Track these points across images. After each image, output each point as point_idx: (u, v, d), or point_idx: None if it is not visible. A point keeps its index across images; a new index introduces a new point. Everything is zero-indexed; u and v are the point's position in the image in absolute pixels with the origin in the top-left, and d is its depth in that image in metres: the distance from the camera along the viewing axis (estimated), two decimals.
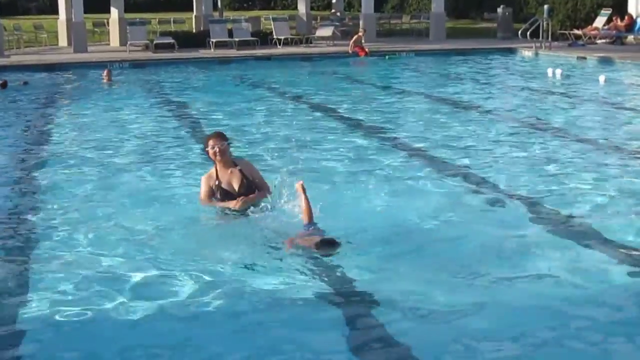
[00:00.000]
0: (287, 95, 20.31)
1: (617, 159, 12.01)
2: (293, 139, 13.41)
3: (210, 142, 8.80)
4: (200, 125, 15.68)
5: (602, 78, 21.27)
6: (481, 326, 5.99)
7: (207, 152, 8.88)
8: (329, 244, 7.36)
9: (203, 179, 8.99)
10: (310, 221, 7.85)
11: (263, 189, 8.93)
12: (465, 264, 7.24)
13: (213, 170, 8.93)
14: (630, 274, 7.08)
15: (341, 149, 12.82)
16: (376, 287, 6.71)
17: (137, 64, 26.99)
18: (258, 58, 28.27)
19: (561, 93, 20.03)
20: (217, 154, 8.71)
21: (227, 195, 8.75)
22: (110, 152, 12.89)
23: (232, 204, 8.63)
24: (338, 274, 7.07)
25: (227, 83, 23.74)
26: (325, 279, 6.98)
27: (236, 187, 8.77)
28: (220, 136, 8.96)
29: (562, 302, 6.43)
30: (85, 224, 8.67)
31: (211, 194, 8.85)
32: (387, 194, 9.86)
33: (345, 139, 13.78)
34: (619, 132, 14.44)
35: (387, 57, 28.77)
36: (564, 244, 7.95)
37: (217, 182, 8.79)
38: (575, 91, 20.22)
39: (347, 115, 16.65)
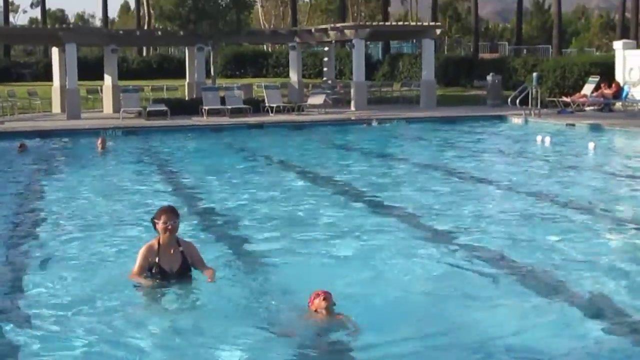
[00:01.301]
0: (278, 163, 20.43)
1: (607, 226, 12.12)
2: (283, 209, 13.56)
3: (164, 217, 8.38)
4: (193, 193, 15.72)
5: (591, 145, 21.48)
6: None
7: (156, 224, 8.43)
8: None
9: (143, 251, 8.47)
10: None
11: (200, 270, 8.59)
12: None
13: (155, 244, 8.47)
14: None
15: (333, 218, 12.84)
16: None
17: (130, 131, 27.14)
18: (250, 126, 28.45)
19: (550, 160, 20.22)
20: (169, 230, 8.35)
21: (163, 274, 8.36)
22: (100, 220, 12.89)
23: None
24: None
25: (220, 151, 23.87)
26: None
27: (175, 268, 8.40)
28: (175, 212, 8.57)
29: None
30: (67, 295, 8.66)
31: (146, 269, 8.40)
32: (380, 263, 9.90)
33: (338, 208, 13.83)
34: (609, 198, 14.59)
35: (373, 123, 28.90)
36: (555, 310, 8.04)
37: (156, 259, 8.37)
38: (564, 158, 20.42)
39: (339, 183, 16.75)
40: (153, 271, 8.38)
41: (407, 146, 24.71)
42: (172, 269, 8.39)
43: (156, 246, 8.43)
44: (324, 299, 7.40)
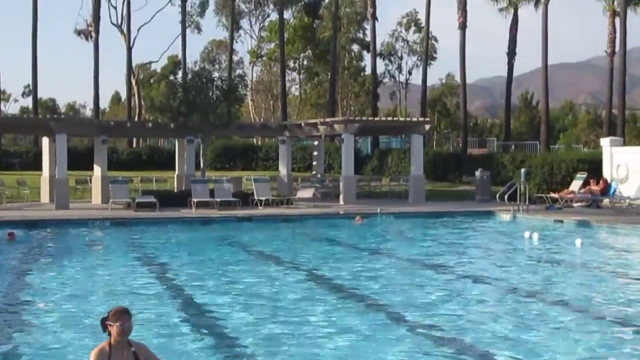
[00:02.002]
0: (267, 257, 20.34)
1: (595, 323, 12.07)
2: (269, 304, 13.47)
3: (120, 320, 7.97)
4: (180, 286, 15.62)
5: (578, 241, 21.51)
6: None
7: (109, 326, 8.01)
8: None
9: (95, 353, 7.99)
10: None
11: None
12: None
13: (106, 347, 8.02)
14: None
15: (321, 315, 12.77)
16: None
17: (118, 222, 27.07)
18: (239, 219, 28.42)
19: (538, 256, 20.24)
20: (124, 333, 7.97)
21: None
22: (84, 309, 12.81)
23: None
24: None
25: (208, 243, 23.77)
26: None
27: None
28: (129, 313, 8.16)
29: None
30: None
31: None
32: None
33: (326, 304, 13.75)
34: (596, 294, 14.54)
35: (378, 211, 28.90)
36: None
37: None
38: (552, 254, 20.42)
39: (326, 278, 16.70)
40: None
41: (395, 241, 24.66)
42: None
43: (107, 349, 7.97)
44: None
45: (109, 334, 8.02)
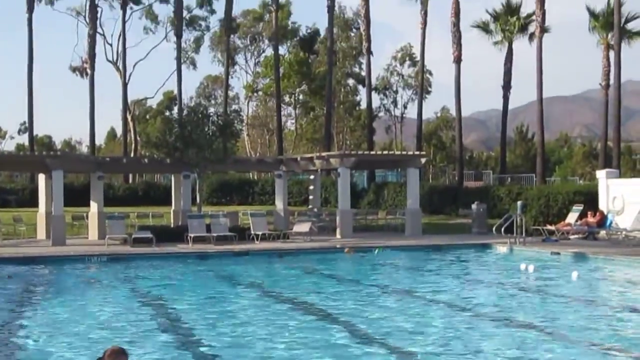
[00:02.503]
0: (264, 292, 20.32)
1: (590, 356, 12.08)
2: (266, 341, 13.47)
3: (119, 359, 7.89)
4: (176, 322, 15.59)
5: (574, 274, 21.51)
6: None
7: None
8: None
9: None
10: None
11: None
12: None
13: None
14: None
15: (320, 351, 12.77)
16: None
17: (115, 258, 27.03)
18: (236, 253, 28.38)
19: (534, 289, 20.26)
20: None
21: None
22: (82, 349, 12.78)
23: None
24: None
25: (205, 279, 23.72)
26: None
27: None
28: (126, 354, 8.07)
29: None
30: None
31: None
32: None
33: (323, 340, 13.75)
34: (592, 328, 14.54)
35: (376, 251, 28.76)
36: None
37: None
38: (548, 287, 20.44)
39: (325, 313, 16.68)
40: None
41: (391, 274, 24.63)
42: None
43: None
44: None
45: None
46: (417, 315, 16.33)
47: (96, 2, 66.54)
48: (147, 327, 14.90)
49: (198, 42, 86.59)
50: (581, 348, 12.73)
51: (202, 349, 13.10)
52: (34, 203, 39.54)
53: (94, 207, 34.87)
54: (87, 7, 68.44)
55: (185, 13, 71.18)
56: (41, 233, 34.92)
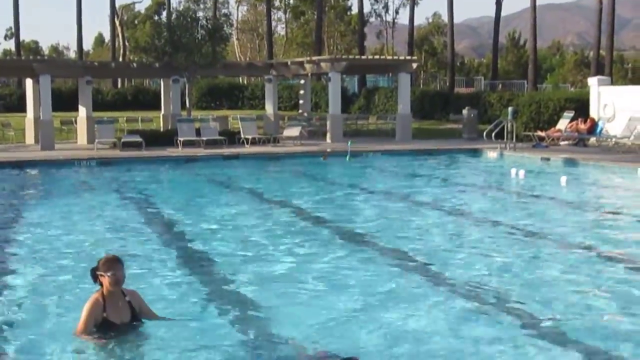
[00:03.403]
0: (254, 195, 20.32)
1: (578, 257, 12.17)
2: (256, 242, 13.48)
3: (113, 269, 7.76)
4: (166, 225, 15.60)
5: (563, 179, 21.55)
6: None
7: (100, 276, 7.78)
8: None
9: (89, 306, 7.74)
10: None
11: (148, 317, 8.13)
12: None
13: (99, 297, 7.80)
14: None
15: (309, 253, 12.85)
16: None
17: (104, 162, 26.92)
18: (226, 157, 28.31)
19: (524, 193, 20.32)
20: (116, 282, 7.77)
21: (114, 328, 7.75)
22: (72, 250, 12.80)
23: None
24: None
25: (194, 182, 23.70)
26: None
27: (125, 320, 7.86)
28: (121, 262, 7.93)
29: None
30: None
31: (92, 325, 7.72)
32: (356, 296, 9.89)
33: (312, 241, 13.81)
34: (579, 231, 14.68)
35: (348, 157, 28.59)
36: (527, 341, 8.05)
37: (104, 314, 7.73)
38: (537, 191, 20.47)
39: (313, 215, 16.73)
40: (101, 326, 7.73)
41: (381, 178, 24.64)
42: (122, 321, 7.84)
43: (101, 300, 7.76)
44: None
45: (101, 284, 7.80)
46: (404, 216, 16.45)
47: None
48: (137, 231, 14.88)
49: None
50: (568, 250, 12.80)
51: (191, 250, 13.13)
52: (22, 108, 39.29)
53: (82, 111, 34.58)
54: None
55: None
56: (30, 138, 34.72)
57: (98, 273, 7.79)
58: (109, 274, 7.70)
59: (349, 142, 29.20)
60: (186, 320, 8.46)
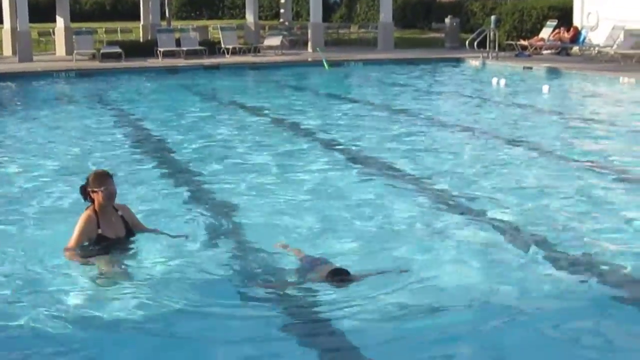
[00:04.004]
0: (235, 105, 20.23)
1: (559, 165, 12.30)
2: (241, 153, 13.47)
3: (105, 183, 7.58)
4: (147, 137, 15.51)
5: (545, 88, 21.55)
6: None
7: (92, 193, 7.59)
8: (341, 274, 6.87)
9: (82, 223, 7.56)
10: (303, 255, 7.49)
11: (140, 231, 8.01)
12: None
13: (92, 214, 7.62)
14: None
15: (290, 160, 12.90)
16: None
17: (83, 74, 26.64)
18: (206, 67, 28.08)
19: (505, 102, 20.34)
20: (110, 197, 7.63)
21: (109, 244, 7.61)
22: (49, 162, 12.74)
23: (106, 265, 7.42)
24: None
25: (175, 92, 23.52)
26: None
27: (121, 234, 7.73)
28: (110, 176, 7.74)
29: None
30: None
31: (84, 242, 7.57)
32: (340, 206, 9.91)
33: (297, 151, 13.85)
34: (559, 138, 14.78)
35: (326, 66, 28.37)
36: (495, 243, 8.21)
37: (99, 230, 7.58)
38: (518, 100, 20.49)
39: (295, 125, 16.71)
40: (97, 243, 7.58)
41: (363, 88, 24.57)
42: (118, 235, 7.70)
43: (94, 216, 7.59)
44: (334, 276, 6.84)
45: (91, 201, 7.66)
46: (384, 125, 16.53)
47: None
48: (119, 143, 14.80)
49: None
50: (549, 157, 12.88)
51: (173, 160, 13.13)
52: None
53: (60, 22, 34.02)
54: None
55: None
56: (7, 50, 34.22)
57: (89, 189, 7.62)
58: (101, 189, 7.54)
59: (319, 50, 28.98)
60: (177, 232, 8.37)
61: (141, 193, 10.48)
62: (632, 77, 22.58)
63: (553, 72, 25.75)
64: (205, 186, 11.20)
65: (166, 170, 12.29)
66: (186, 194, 10.61)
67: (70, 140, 15.18)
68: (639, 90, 21.63)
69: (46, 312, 6.44)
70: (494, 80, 23.40)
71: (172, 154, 13.74)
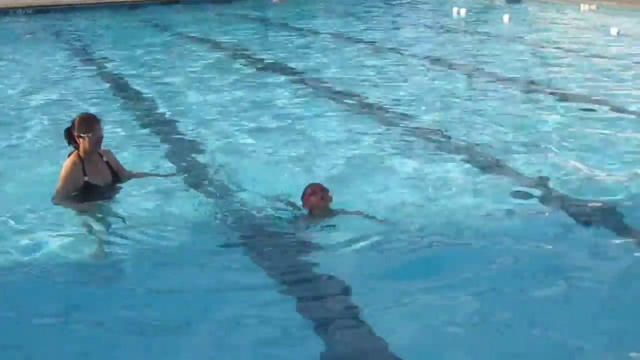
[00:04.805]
0: (195, 40, 20.03)
1: (514, 90, 12.59)
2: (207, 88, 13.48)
3: (94, 128, 7.21)
4: (106, 76, 15.17)
5: (506, 17, 21.58)
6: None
7: (78, 138, 7.22)
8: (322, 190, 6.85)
9: (68, 170, 7.22)
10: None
11: (125, 176, 7.74)
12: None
13: (77, 159, 7.27)
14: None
15: (256, 95, 12.85)
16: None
17: (42, 10, 26.12)
18: (165, 2, 27.68)
19: (465, 31, 20.39)
20: (97, 142, 7.26)
21: (96, 190, 7.32)
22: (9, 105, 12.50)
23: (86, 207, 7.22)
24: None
25: (136, 29, 23.19)
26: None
27: (107, 180, 7.44)
28: (98, 121, 7.33)
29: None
30: None
31: (71, 190, 7.25)
32: (309, 136, 10.07)
33: (262, 84, 13.82)
34: (516, 66, 14.90)
35: None
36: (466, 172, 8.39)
37: (85, 178, 7.26)
38: (479, 29, 20.55)
39: (257, 57, 16.68)
40: (84, 190, 7.25)
41: (324, 19, 24.39)
42: (105, 182, 7.39)
43: (79, 162, 7.25)
44: (321, 198, 6.82)
45: (75, 147, 7.29)
46: (340, 55, 16.62)
47: None
48: (84, 81, 14.58)
49: None
50: (508, 84, 13.04)
51: (140, 97, 13.02)
52: None
53: None
54: None
55: None
56: None
57: (75, 134, 7.19)
58: (89, 134, 7.14)
59: None
60: (161, 176, 8.27)
61: (113, 135, 10.11)
62: (592, 4, 22.70)
63: (514, 1, 25.71)
64: (171, 121, 11.12)
65: (129, 107, 12.16)
66: (156, 138, 10.32)
67: (29, 79, 14.83)
68: (599, 16, 21.72)
69: (32, 259, 6.41)
70: (455, 10, 23.39)
71: (133, 89, 13.62)
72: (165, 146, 9.81)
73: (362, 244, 6.45)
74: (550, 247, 6.45)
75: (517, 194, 7.65)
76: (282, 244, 6.60)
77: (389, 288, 5.76)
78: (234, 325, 5.38)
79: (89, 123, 7.20)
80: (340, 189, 7.44)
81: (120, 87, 14.10)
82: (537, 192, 7.74)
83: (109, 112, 11.61)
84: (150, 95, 13.07)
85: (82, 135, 7.14)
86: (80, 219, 7.11)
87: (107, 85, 14.24)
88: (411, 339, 5.15)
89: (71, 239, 6.79)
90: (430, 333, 5.21)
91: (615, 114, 10.82)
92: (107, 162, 7.44)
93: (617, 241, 6.56)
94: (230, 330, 5.34)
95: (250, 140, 9.93)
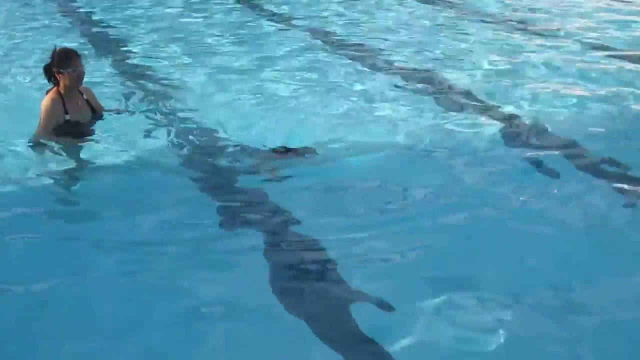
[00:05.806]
0: None
1: (490, 25, 12.66)
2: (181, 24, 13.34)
3: (74, 63, 6.93)
4: (84, 16, 14.81)
5: None
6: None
7: (59, 75, 6.94)
8: (306, 151, 6.82)
9: (48, 107, 6.97)
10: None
11: (102, 114, 7.52)
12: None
13: (56, 96, 7.02)
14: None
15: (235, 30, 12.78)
16: None
17: None
18: None
19: None
20: (80, 78, 7.00)
21: (77, 128, 7.14)
22: None
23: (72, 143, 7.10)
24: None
25: None
26: None
27: (87, 118, 7.23)
28: (79, 55, 7.05)
29: None
30: None
31: (52, 127, 7.03)
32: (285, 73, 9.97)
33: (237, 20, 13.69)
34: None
35: None
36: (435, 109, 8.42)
37: (66, 116, 7.03)
38: None
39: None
40: (64, 127, 7.05)
41: None
42: (85, 119, 7.18)
43: (60, 99, 7.00)
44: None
45: (55, 83, 7.03)
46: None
47: None
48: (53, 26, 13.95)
49: None
50: (480, 18, 13.23)
51: (119, 47, 12.34)
52: None
53: None
54: None
55: None
56: None
57: (55, 70, 6.92)
58: (70, 70, 6.87)
59: None
60: (140, 111, 8.16)
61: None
62: None
63: None
64: (151, 63, 10.86)
65: (109, 54, 11.70)
66: (139, 82, 9.95)
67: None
68: None
69: (15, 196, 6.41)
70: None
71: (101, 24, 13.37)
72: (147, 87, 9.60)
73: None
74: None
75: None
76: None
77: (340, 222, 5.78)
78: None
79: (70, 58, 6.92)
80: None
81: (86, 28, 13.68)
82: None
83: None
84: (124, 35, 12.77)
85: (62, 71, 6.88)
86: (62, 156, 6.98)
87: (81, 27, 13.77)
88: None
89: (52, 176, 6.73)
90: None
91: None
92: (87, 100, 7.25)
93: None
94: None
95: (231, 80, 9.77)
